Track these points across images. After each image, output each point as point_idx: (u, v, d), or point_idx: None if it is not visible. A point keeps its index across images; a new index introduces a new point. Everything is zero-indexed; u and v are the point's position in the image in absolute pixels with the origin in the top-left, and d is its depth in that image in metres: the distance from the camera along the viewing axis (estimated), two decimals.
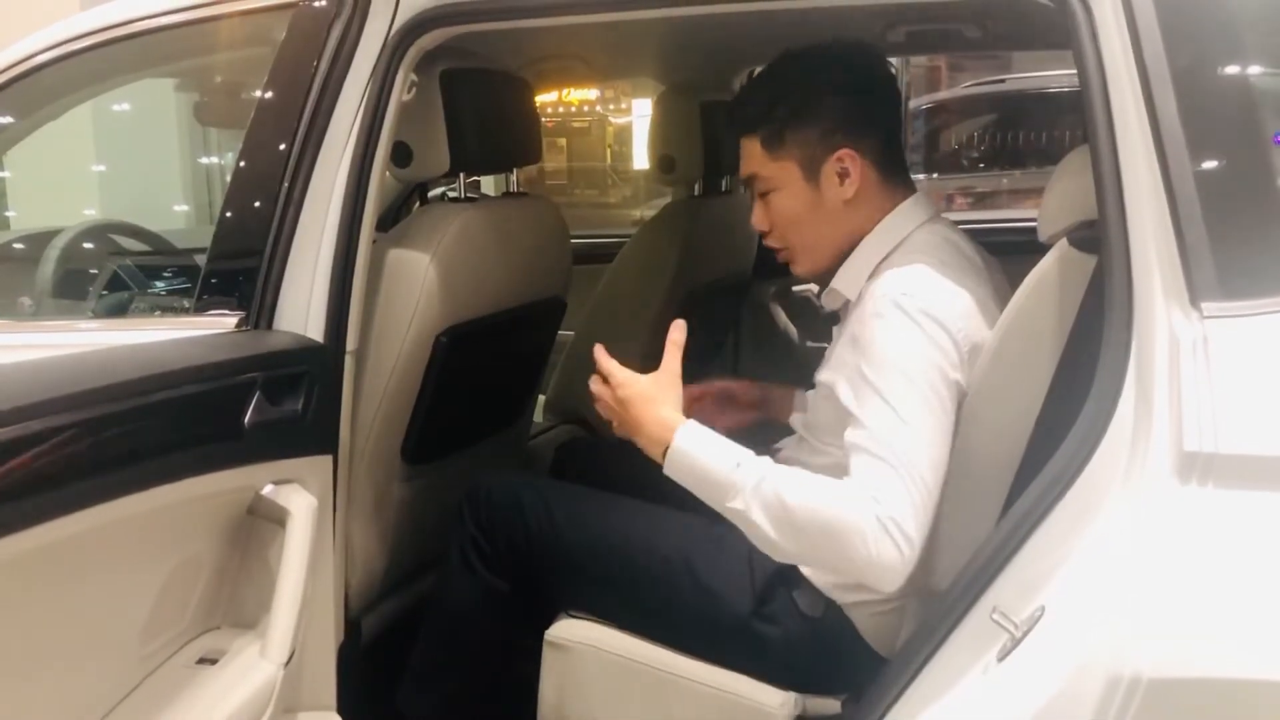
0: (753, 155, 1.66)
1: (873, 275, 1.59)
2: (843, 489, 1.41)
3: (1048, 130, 7.29)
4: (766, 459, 1.50)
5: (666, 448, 1.53)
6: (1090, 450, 1.15)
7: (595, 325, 2.66)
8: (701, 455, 1.51)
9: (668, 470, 1.54)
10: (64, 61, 1.87)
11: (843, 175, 1.61)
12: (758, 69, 2.95)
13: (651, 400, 1.57)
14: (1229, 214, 1.14)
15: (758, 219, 1.70)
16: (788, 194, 1.64)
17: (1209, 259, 1.12)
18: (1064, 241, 1.36)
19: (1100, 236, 1.21)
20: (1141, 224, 1.16)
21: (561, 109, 10.67)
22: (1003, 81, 7.57)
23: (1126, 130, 1.19)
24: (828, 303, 1.71)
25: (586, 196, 11.10)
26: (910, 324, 1.46)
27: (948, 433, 1.45)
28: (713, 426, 1.56)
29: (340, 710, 1.70)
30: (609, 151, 11.65)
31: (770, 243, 1.72)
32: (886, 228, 1.62)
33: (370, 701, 1.79)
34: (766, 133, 1.63)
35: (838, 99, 1.62)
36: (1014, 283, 1.47)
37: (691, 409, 1.64)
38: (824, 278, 1.70)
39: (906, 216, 1.63)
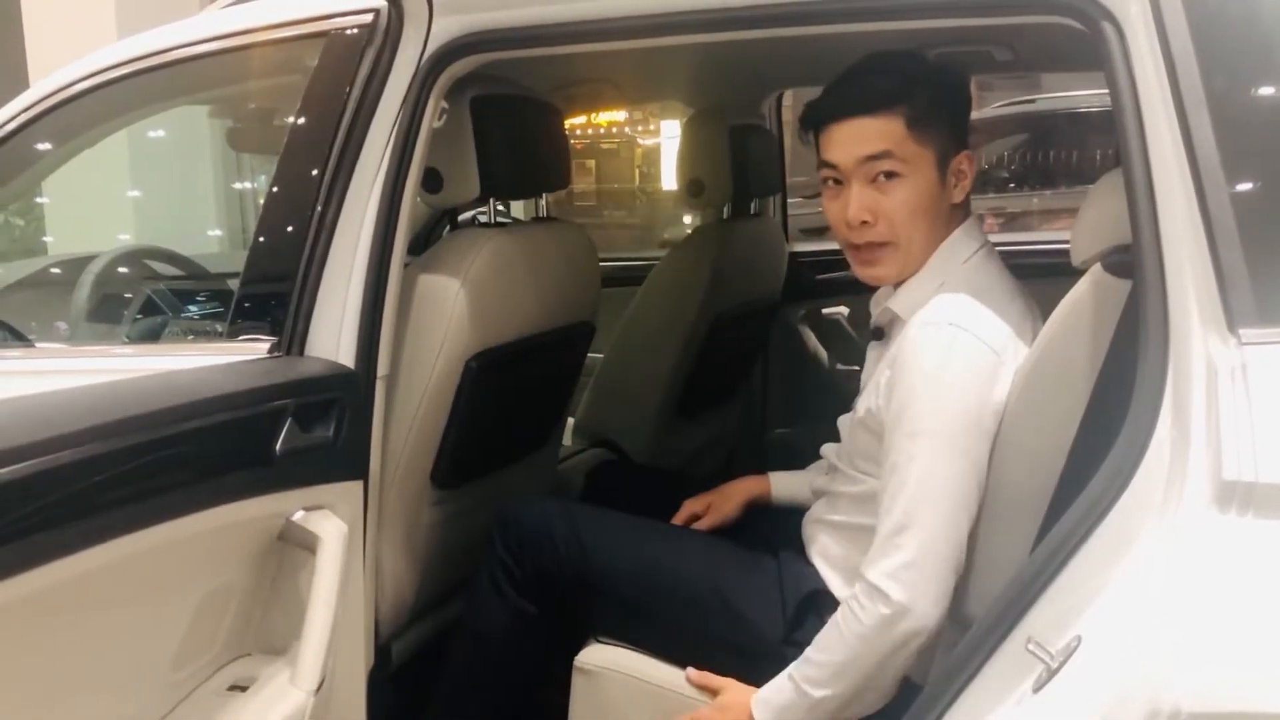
0: (891, 133, 1.53)
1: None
2: (847, 613, 1.47)
3: (1079, 150, 7.25)
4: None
5: None
6: (1126, 478, 1.13)
7: (624, 349, 2.66)
8: (774, 702, 1.53)
9: None
10: (101, 89, 1.90)
11: (959, 177, 1.58)
12: (784, 90, 2.98)
13: (723, 707, 1.59)
14: (1267, 239, 1.12)
15: (862, 207, 1.55)
16: (917, 182, 1.55)
17: (1247, 284, 1.10)
18: (1098, 266, 1.35)
19: (1134, 261, 1.20)
20: (1177, 249, 1.15)
21: (590, 131, 10.71)
22: (1033, 101, 7.54)
23: (1161, 154, 1.18)
24: (879, 318, 1.67)
25: (615, 218, 11.12)
26: (960, 357, 1.45)
27: (981, 476, 1.46)
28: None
29: None
30: (637, 173, 11.67)
31: (869, 236, 1.57)
32: (950, 248, 1.59)
33: None
34: (914, 111, 1.53)
35: (961, 101, 1.60)
36: (1047, 304, 1.46)
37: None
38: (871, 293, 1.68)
39: (968, 240, 1.60)
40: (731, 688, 1.60)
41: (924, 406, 1.45)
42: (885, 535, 1.45)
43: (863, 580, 1.46)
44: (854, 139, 1.56)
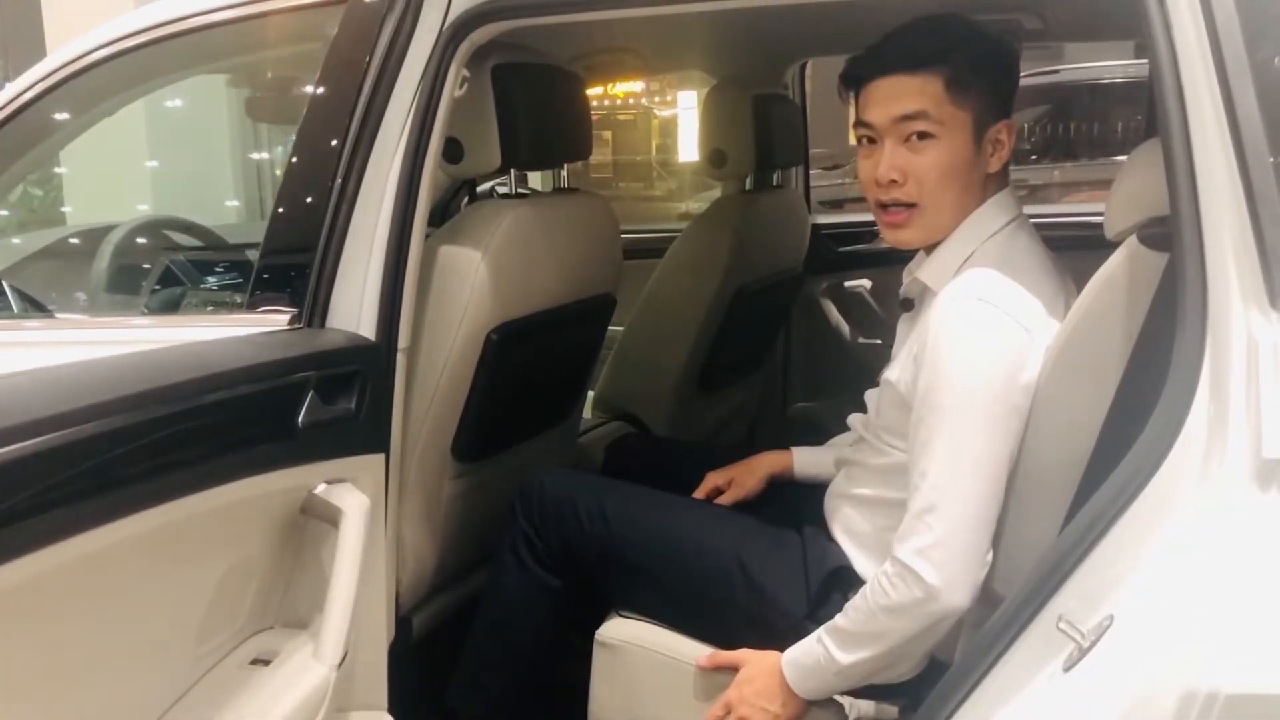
0: (928, 93, 1.50)
1: (957, 271, 1.53)
2: (877, 587, 1.46)
3: (1101, 121, 7.16)
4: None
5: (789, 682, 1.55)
6: (1162, 455, 1.11)
7: (645, 321, 2.65)
8: (803, 663, 1.54)
9: (811, 696, 1.55)
10: (118, 59, 1.88)
11: (997, 145, 1.55)
12: (807, 60, 2.95)
13: (749, 679, 1.58)
14: None
15: (892, 165, 1.53)
16: (950, 146, 1.52)
17: None
18: (1133, 239, 1.32)
19: (1172, 234, 1.17)
20: (1217, 221, 1.12)
21: (607, 102, 10.66)
22: (1056, 72, 7.45)
23: (1201, 123, 1.15)
24: (908, 289, 1.65)
25: (631, 190, 11.09)
26: (987, 333, 1.43)
27: (1011, 454, 1.44)
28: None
29: (390, 707, 1.69)
30: (654, 145, 11.63)
31: (896, 195, 1.55)
32: (981, 218, 1.56)
33: (420, 698, 1.79)
34: (954, 73, 1.50)
35: (1005, 68, 1.57)
36: (1078, 280, 1.44)
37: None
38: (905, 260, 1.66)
39: (999, 211, 1.57)
40: (750, 659, 1.59)
41: (953, 383, 1.43)
42: (915, 513, 1.44)
43: (893, 557, 1.44)
44: (891, 97, 1.53)
